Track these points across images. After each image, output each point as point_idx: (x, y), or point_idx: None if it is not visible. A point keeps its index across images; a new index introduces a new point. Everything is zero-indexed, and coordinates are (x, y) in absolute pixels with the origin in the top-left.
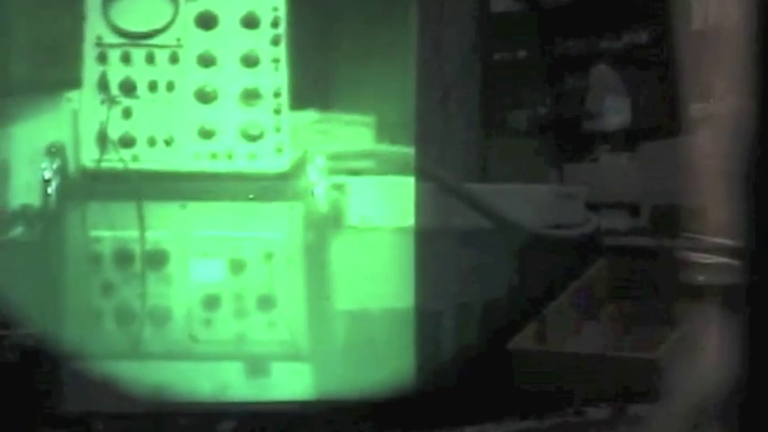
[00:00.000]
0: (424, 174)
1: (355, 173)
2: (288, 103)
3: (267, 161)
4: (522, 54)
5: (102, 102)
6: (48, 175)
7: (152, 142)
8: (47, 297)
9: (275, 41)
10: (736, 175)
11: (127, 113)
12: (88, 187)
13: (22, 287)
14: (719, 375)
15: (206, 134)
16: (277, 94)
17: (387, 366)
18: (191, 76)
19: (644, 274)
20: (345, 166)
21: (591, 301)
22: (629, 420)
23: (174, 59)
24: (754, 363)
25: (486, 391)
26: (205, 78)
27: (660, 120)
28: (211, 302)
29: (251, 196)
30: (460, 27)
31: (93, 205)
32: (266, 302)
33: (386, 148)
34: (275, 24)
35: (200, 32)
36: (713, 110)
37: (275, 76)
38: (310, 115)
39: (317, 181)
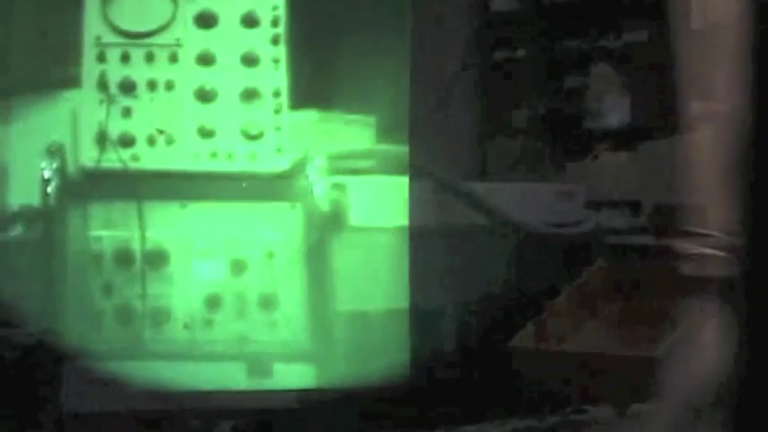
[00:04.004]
0: (422, 173)
1: (356, 172)
2: (288, 102)
3: (267, 161)
4: (522, 53)
5: (102, 101)
6: (47, 174)
7: (152, 142)
8: (47, 296)
9: (275, 41)
10: (736, 172)
11: (126, 113)
12: (88, 187)
13: (23, 286)
14: (719, 373)
15: (206, 134)
16: (277, 94)
17: (387, 365)
18: (190, 76)
19: (644, 272)
20: (346, 165)
21: (591, 299)
22: (629, 419)
23: (173, 59)
24: (753, 360)
25: (485, 391)
26: (205, 78)
27: (660, 118)
28: (212, 302)
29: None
30: (460, 27)
31: (92, 205)
32: (267, 302)
33: (386, 147)
34: (275, 23)
35: (200, 31)
36: (713, 108)
37: (275, 75)
38: (310, 115)
39: (317, 181)
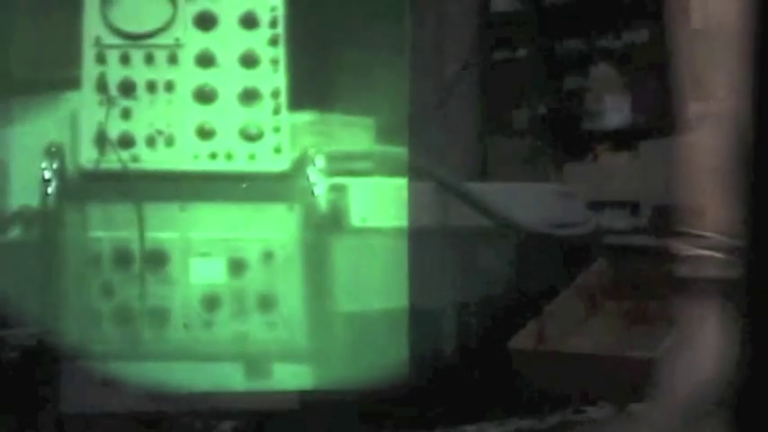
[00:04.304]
0: (422, 173)
1: (355, 173)
2: (287, 103)
3: (266, 161)
4: (522, 54)
5: (101, 102)
6: (47, 175)
7: (151, 142)
8: (47, 297)
9: (274, 41)
10: (735, 173)
11: (126, 114)
12: (87, 188)
13: (22, 287)
14: (719, 374)
15: (205, 134)
16: (276, 95)
17: (386, 366)
18: (190, 77)
19: (644, 273)
20: (345, 166)
21: (591, 299)
22: (629, 419)
23: (172, 59)
24: (753, 361)
25: (485, 391)
26: (204, 78)
27: (660, 118)
28: (211, 303)
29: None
30: (460, 27)
31: (92, 206)
32: (266, 303)
33: (386, 148)
34: (274, 24)
35: (199, 32)
36: (713, 109)
37: (274, 76)
38: (309, 116)
39: (316, 181)
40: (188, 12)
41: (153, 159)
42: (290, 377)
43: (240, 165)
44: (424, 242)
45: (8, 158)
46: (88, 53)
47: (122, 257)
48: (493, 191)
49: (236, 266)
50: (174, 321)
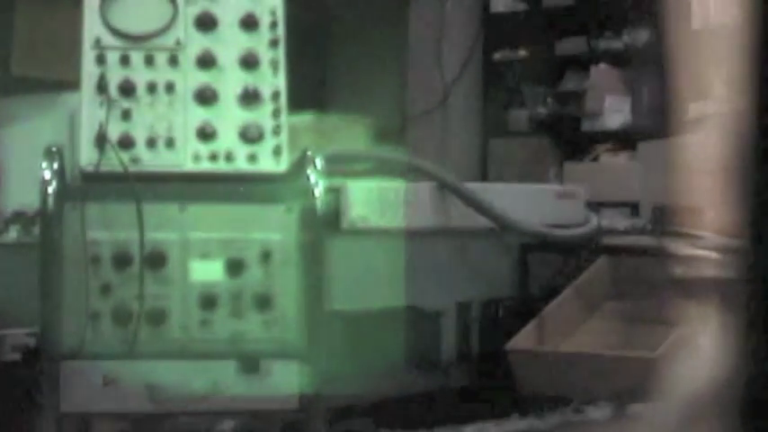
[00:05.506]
0: (422, 173)
1: (354, 174)
2: (286, 104)
3: (266, 162)
4: (522, 54)
5: (101, 103)
6: (46, 176)
7: (151, 144)
8: (46, 297)
9: (274, 43)
10: (735, 173)
11: (126, 115)
12: (87, 189)
13: (22, 287)
14: (719, 374)
15: (205, 136)
16: (276, 96)
17: (386, 366)
18: (190, 78)
19: (644, 273)
20: (344, 167)
21: (591, 299)
22: (629, 419)
23: (173, 61)
24: (753, 361)
25: (485, 391)
26: (204, 80)
27: (660, 119)
28: (210, 303)
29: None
30: (460, 27)
31: (91, 207)
32: (264, 302)
33: (384, 149)
34: (274, 26)
35: (200, 34)
36: (713, 109)
37: (274, 77)
38: (309, 116)
39: (315, 182)
40: (188, 13)
41: (153, 160)
42: (290, 377)
43: (240, 166)
44: (424, 242)
45: (8, 158)
46: (88, 54)
47: (121, 258)
48: (493, 191)
49: (235, 267)
50: (173, 321)
